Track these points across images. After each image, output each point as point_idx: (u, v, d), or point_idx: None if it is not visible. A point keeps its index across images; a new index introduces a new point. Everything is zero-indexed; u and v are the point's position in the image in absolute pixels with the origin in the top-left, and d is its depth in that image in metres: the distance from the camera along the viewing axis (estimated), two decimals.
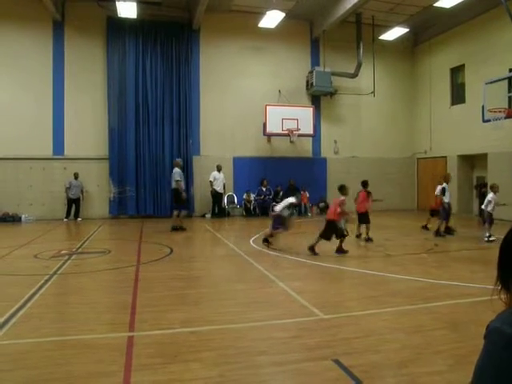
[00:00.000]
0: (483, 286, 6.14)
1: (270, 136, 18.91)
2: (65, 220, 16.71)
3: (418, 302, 5.86)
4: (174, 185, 13.62)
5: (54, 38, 17.25)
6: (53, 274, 7.47)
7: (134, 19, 16.82)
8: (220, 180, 17.54)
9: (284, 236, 10.69)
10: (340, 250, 9.32)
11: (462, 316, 5.28)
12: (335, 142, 20.27)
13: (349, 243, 9.86)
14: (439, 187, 12.43)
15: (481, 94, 14.69)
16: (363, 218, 11.41)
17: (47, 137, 17.16)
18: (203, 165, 18.32)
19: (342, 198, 9.44)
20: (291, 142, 18.85)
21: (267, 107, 18.21)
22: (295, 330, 4.80)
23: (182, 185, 13.78)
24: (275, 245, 10.29)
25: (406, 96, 21.40)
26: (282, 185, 18.91)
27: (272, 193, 18.89)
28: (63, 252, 9.79)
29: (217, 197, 17.73)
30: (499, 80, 13.67)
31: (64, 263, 8.52)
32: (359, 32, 19.40)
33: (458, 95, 18.94)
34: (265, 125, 18.24)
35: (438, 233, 12.04)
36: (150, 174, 17.86)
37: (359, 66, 19.55)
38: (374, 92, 20.12)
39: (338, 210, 9.25)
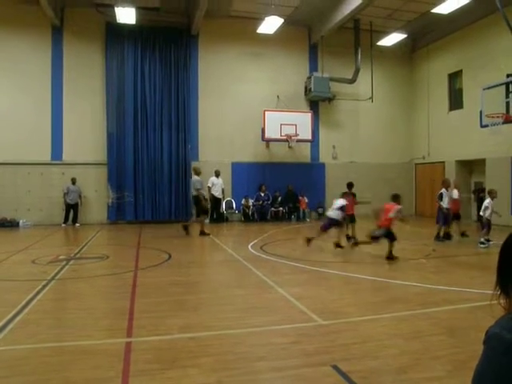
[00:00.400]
0: (482, 291, 6.14)
1: (268, 141, 18.94)
2: (63, 225, 16.69)
3: (417, 307, 5.85)
4: (194, 192, 13.80)
5: (52, 44, 17.30)
6: (50, 280, 7.44)
7: (132, 25, 16.86)
8: (218, 185, 17.52)
9: (283, 242, 10.68)
10: (390, 257, 9.32)
11: (460, 321, 5.27)
12: (333, 147, 20.30)
13: (346, 249, 9.83)
14: (444, 191, 12.44)
15: (479, 99, 14.75)
16: (351, 218, 11.91)
17: (46, 142, 17.17)
18: (202, 170, 18.26)
19: (399, 206, 9.50)
20: (289, 147, 18.87)
21: (266, 112, 18.26)
22: (294, 335, 4.78)
23: (203, 192, 13.97)
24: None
25: (404, 101, 21.47)
26: (281, 190, 18.93)
27: (270, 198, 18.89)
28: (61, 257, 9.75)
29: (215, 202, 17.71)
30: (497, 85, 13.72)
31: (62, 269, 8.48)
32: (357, 38, 19.49)
33: (455, 101, 19.01)
34: (263, 130, 18.27)
35: (438, 237, 12.08)
36: (148, 180, 17.85)
37: (357, 71, 19.62)
38: (372, 97, 20.19)
39: (389, 215, 9.34)
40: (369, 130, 20.66)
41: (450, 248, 11.43)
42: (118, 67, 17.71)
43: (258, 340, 4.72)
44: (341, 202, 10.78)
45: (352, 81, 19.79)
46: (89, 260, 9.61)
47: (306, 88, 19.81)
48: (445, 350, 4.36)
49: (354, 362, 4.03)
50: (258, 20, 17.02)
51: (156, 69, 18.10)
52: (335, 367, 3.88)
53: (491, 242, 10.90)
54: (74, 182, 16.93)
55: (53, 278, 7.58)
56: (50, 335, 4.79)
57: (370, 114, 20.64)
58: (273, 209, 18.93)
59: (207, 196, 14.86)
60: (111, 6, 15.73)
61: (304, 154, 19.96)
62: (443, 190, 12.30)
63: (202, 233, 13.84)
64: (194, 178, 14.06)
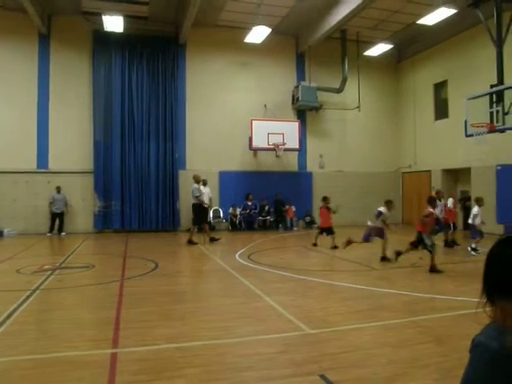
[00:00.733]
0: (468, 299, 6.17)
1: (255, 150, 18.96)
2: (48, 234, 16.48)
3: (404, 315, 5.87)
4: (193, 200, 13.77)
5: (39, 51, 17.18)
6: (35, 290, 7.33)
7: (120, 33, 16.82)
8: (206, 194, 17.47)
9: (270, 251, 10.65)
10: (433, 269, 9.13)
11: (447, 329, 5.29)
12: (320, 156, 20.39)
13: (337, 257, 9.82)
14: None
15: (463, 109, 14.93)
16: (328, 231, 12.56)
17: (31, 150, 16.98)
18: (189, 179, 18.21)
19: (431, 210, 9.51)
20: (277, 156, 18.89)
21: (253, 122, 18.29)
22: (281, 345, 4.76)
23: (203, 199, 13.93)
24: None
25: (391, 111, 21.67)
26: (268, 199, 18.92)
27: (258, 207, 18.87)
28: (46, 267, 9.61)
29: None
30: (481, 96, 13.90)
31: (47, 278, 8.36)
32: (344, 48, 19.69)
33: (441, 110, 19.23)
34: (251, 139, 18.29)
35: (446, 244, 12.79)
36: (135, 188, 17.73)
37: (344, 81, 19.80)
38: (359, 107, 20.35)
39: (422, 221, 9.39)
40: (356, 139, 20.79)
41: (437, 256, 11.47)
42: (105, 76, 17.63)
43: (245, 350, 4.68)
44: (381, 209, 10.76)
45: (339, 90, 19.96)
46: (74, 270, 9.48)
47: (293, 97, 19.92)
48: (432, 358, 4.37)
49: (341, 371, 4.02)
50: (246, 29, 17.08)
51: (143, 77, 18.07)
52: (323, 377, 3.86)
53: (479, 250, 10.99)
54: (58, 190, 16.76)
55: (37, 288, 7.47)
56: (32, 347, 4.69)
57: (357, 123, 20.79)
58: (260, 218, 18.91)
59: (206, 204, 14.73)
60: (99, 14, 15.71)
61: (291, 162, 20.01)
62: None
63: (190, 241, 13.76)
64: (194, 186, 14.04)
